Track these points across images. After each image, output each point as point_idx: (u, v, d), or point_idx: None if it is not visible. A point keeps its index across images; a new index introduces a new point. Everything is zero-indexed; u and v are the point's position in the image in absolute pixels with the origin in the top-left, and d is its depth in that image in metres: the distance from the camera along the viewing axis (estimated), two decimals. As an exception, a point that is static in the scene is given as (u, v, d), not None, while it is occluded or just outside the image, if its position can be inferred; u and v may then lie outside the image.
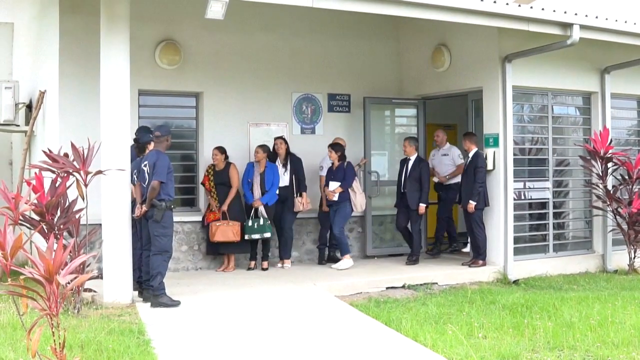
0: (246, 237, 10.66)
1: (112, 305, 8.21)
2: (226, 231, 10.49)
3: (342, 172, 11.05)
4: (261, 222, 10.65)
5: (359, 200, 11.23)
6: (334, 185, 11.00)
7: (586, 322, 7.58)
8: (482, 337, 7.00)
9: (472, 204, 10.75)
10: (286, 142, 11.18)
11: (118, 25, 8.32)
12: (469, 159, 11.00)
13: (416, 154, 11.43)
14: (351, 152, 11.69)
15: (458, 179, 11.52)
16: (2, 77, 11.22)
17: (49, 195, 7.79)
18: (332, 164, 11.14)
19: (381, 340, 6.87)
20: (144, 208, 8.34)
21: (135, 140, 8.97)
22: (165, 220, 8.34)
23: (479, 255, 10.89)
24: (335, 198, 10.98)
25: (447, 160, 11.96)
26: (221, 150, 10.73)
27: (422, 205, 11.20)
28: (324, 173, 11.34)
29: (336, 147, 11.14)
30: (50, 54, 10.14)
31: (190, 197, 11.23)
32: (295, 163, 11.14)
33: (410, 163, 11.34)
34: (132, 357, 6.05)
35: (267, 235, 10.71)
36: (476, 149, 10.98)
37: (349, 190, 11.08)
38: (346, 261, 10.91)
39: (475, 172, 10.80)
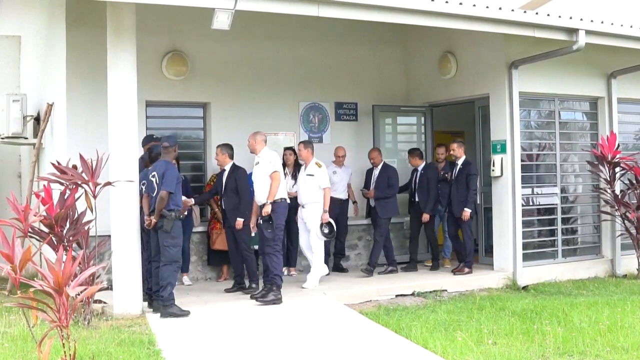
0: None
1: (122, 316, 8.22)
2: (225, 240, 10.31)
3: None
4: None
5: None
6: None
7: (596, 327, 7.57)
8: (492, 343, 6.99)
9: (467, 211, 10.67)
10: (295, 153, 11.07)
11: (125, 37, 8.35)
12: (458, 166, 10.95)
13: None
14: (360, 160, 11.77)
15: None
16: (10, 90, 11.29)
17: (58, 207, 7.81)
18: None
19: (391, 348, 6.87)
20: (154, 219, 8.34)
21: (148, 150, 8.97)
22: (175, 230, 8.35)
23: (466, 263, 10.81)
24: None
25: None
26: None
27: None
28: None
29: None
30: (58, 67, 10.19)
31: (199, 207, 11.22)
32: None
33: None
34: (142, 368, 6.07)
35: None
36: (465, 156, 10.99)
37: None
38: None
39: (468, 180, 10.75)
